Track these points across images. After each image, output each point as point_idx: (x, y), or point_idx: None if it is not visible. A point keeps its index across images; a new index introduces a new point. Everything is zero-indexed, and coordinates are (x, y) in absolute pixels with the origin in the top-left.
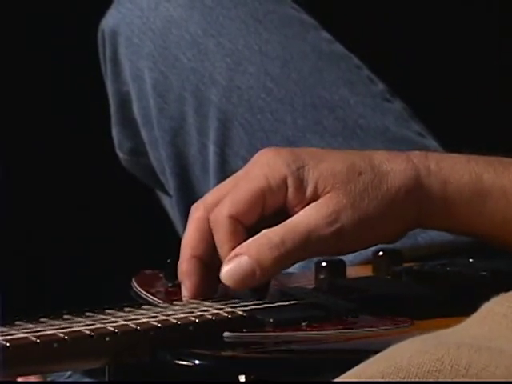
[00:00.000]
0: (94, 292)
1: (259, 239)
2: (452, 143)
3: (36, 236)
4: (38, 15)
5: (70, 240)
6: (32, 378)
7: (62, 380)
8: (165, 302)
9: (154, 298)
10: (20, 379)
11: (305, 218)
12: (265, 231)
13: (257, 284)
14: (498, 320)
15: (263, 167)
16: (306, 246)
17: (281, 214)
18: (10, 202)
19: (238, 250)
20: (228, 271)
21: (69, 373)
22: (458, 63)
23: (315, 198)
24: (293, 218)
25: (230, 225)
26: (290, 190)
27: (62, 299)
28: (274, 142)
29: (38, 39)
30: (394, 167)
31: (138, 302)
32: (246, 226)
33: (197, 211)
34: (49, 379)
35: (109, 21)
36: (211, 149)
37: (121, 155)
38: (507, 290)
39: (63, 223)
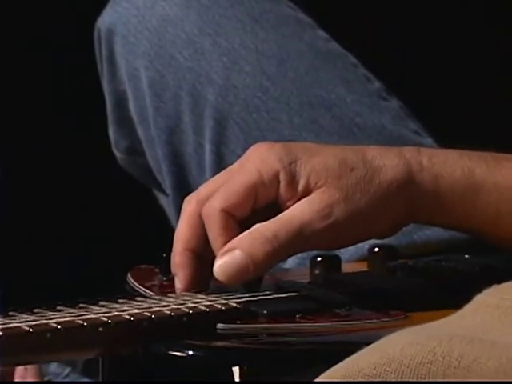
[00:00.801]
0: (90, 289)
1: (252, 233)
2: (449, 142)
3: (34, 231)
4: (35, 15)
5: (67, 238)
6: (30, 378)
7: (59, 379)
8: (159, 295)
9: (148, 291)
10: (17, 379)
11: (298, 212)
12: (257, 225)
13: (250, 278)
14: (490, 311)
15: (256, 161)
16: (299, 240)
17: (273, 208)
18: (10, 201)
19: (230, 244)
20: (221, 266)
21: (66, 372)
22: (455, 61)
23: (307, 192)
24: (286, 212)
25: (223, 218)
26: (282, 184)
27: (58, 294)
28: (270, 140)
29: (35, 39)
30: (387, 162)
31: (131, 294)
32: (238, 220)
33: (189, 204)
34: (46, 379)
35: (105, 20)
36: (207, 148)
37: (117, 154)
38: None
39: (61, 221)
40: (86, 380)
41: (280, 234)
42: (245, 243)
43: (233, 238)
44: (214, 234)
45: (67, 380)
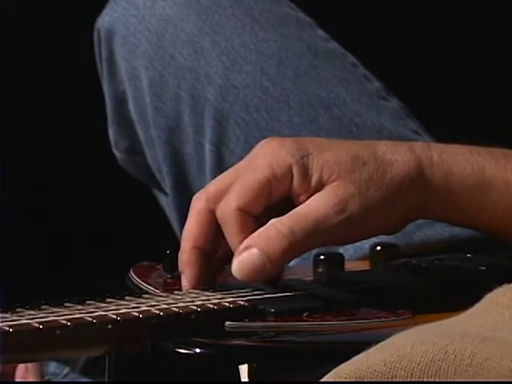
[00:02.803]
0: (91, 286)
1: (267, 230)
2: (449, 142)
3: (36, 230)
4: (35, 15)
5: (68, 236)
6: (30, 378)
7: (58, 379)
8: (164, 292)
9: (152, 288)
10: (18, 379)
11: (313, 207)
12: (273, 221)
13: (268, 276)
14: (500, 310)
15: (267, 157)
16: (315, 236)
17: (286, 202)
18: (11, 200)
19: (247, 242)
20: (238, 265)
21: (65, 371)
22: (455, 61)
23: (320, 186)
24: (301, 207)
25: (239, 217)
26: (296, 178)
27: (60, 291)
28: None
29: (35, 39)
30: (398, 158)
31: (138, 292)
32: (254, 217)
33: (198, 202)
34: (46, 378)
35: (105, 20)
36: (207, 147)
37: (117, 154)
38: (508, 283)
39: (62, 220)
40: (84, 380)
41: (296, 230)
42: (261, 241)
43: (249, 235)
44: (232, 233)
45: (66, 380)
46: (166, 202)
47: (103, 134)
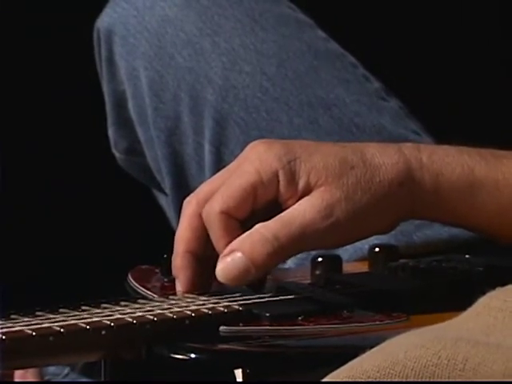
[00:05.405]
0: (90, 289)
1: (252, 235)
2: (448, 142)
3: (34, 232)
4: (34, 15)
5: (67, 238)
6: (30, 378)
7: (58, 380)
8: (160, 296)
9: (149, 292)
10: (17, 379)
11: (299, 212)
12: (258, 226)
13: (252, 280)
14: (493, 314)
15: (254, 161)
16: (300, 241)
17: (274, 206)
18: (10, 201)
19: (231, 246)
20: (223, 269)
21: (65, 372)
22: (455, 61)
23: (308, 190)
24: (287, 212)
25: (223, 220)
26: (282, 183)
27: (58, 295)
28: None
29: (35, 39)
30: (386, 160)
31: (133, 297)
32: (239, 220)
33: (189, 206)
34: (46, 378)
35: (104, 20)
36: (207, 148)
37: (117, 155)
38: (503, 285)
39: (60, 221)
40: (84, 380)
41: (281, 235)
42: (245, 245)
43: (235, 238)
44: (216, 236)
45: (66, 380)
46: (166, 203)
47: (103, 134)
